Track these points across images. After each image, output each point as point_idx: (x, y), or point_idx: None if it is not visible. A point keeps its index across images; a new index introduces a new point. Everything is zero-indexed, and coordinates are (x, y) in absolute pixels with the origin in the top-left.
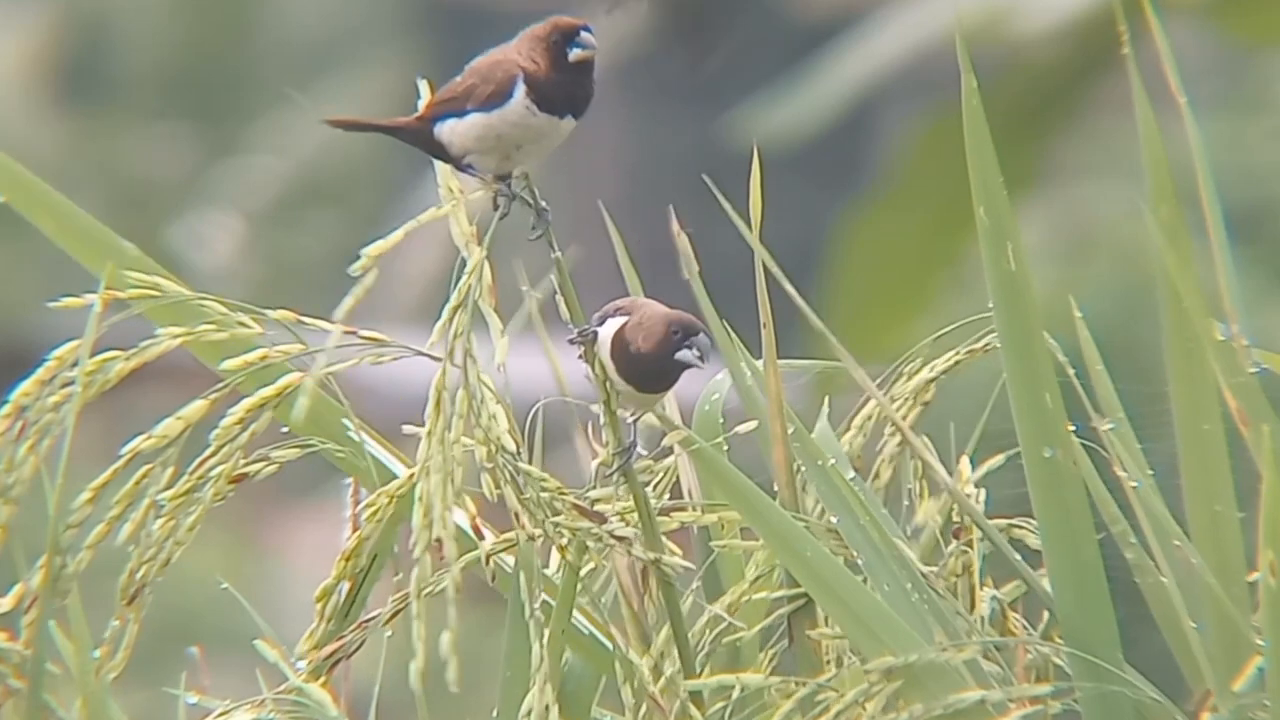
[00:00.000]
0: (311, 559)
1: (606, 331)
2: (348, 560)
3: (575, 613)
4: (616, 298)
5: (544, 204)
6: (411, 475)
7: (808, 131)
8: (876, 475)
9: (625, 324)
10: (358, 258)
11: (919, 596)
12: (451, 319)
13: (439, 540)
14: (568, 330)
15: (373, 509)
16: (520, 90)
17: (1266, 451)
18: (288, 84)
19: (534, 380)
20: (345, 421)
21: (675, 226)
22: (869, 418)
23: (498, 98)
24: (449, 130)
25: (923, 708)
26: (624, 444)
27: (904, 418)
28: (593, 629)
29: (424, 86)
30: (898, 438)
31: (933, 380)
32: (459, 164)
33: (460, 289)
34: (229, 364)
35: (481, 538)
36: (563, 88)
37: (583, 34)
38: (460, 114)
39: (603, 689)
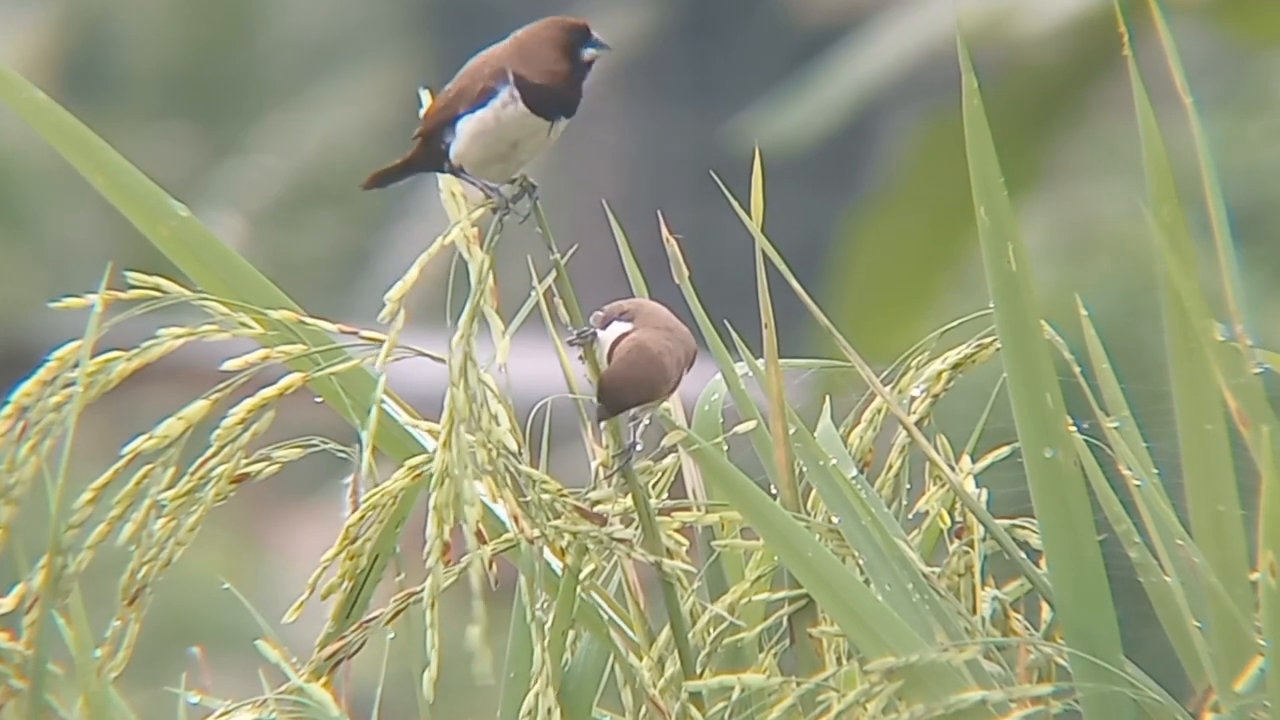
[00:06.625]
0: (311, 559)
1: (608, 335)
2: (343, 556)
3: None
4: (617, 298)
5: (532, 182)
6: (412, 473)
7: (810, 134)
8: (889, 467)
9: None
10: (358, 258)
11: (920, 596)
12: (464, 331)
13: (447, 544)
14: (567, 331)
15: (373, 504)
16: (508, 85)
17: (1266, 452)
18: (289, 84)
19: (546, 379)
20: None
21: (665, 232)
22: (879, 411)
23: (488, 94)
24: (450, 136)
25: (924, 708)
26: (624, 445)
27: (914, 411)
28: (613, 614)
29: (425, 95)
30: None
31: (944, 371)
32: (463, 174)
33: (472, 299)
34: (230, 364)
35: (484, 541)
36: (554, 87)
37: (594, 34)
38: (456, 118)
39: (603, 690)
